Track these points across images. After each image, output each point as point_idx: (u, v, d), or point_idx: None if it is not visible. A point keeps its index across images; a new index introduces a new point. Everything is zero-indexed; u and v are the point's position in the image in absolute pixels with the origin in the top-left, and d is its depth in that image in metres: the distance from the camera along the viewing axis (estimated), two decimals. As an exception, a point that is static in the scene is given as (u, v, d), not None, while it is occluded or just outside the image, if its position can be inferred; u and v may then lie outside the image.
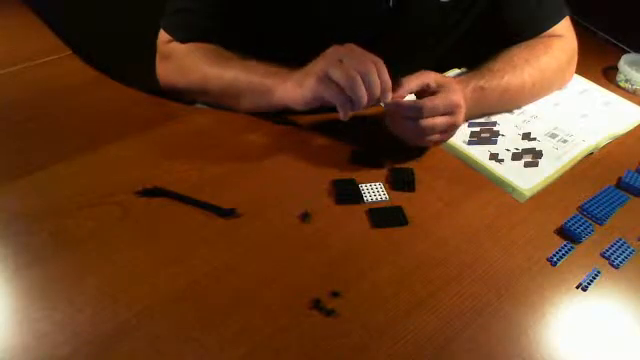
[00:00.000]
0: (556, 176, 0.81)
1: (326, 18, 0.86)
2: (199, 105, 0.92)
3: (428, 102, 0.75)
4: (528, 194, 0.77)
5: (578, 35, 0.98)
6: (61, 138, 0.81)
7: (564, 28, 0.95)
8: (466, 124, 0.88)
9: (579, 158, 0.85)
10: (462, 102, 0.77)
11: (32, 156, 0.78)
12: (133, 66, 0.96)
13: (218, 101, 0.87)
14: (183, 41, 0.87)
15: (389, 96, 0.73)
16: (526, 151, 0.84)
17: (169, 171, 0.76)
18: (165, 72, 0.90)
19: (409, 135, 0.79)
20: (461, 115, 0.77)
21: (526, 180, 0.79)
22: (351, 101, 0.71)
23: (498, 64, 0.89)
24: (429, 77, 0.78)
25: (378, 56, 0.92)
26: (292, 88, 0.76)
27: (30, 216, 0.69)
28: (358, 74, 0.70)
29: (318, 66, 0.73)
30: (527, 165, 0.82)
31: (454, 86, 0.78)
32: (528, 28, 0.94)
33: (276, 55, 0.94)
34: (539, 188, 0.79)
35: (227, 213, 0.70)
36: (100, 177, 0.75)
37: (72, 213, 0.69)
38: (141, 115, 0.86)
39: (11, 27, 1.09)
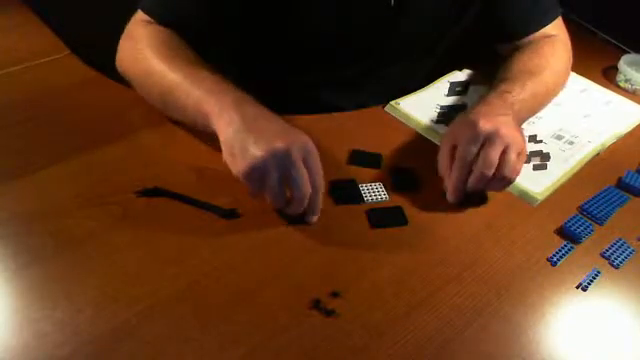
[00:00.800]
0: (565, 178, 0.81)
1: (327, 18, 0.86)
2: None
3: (458, 152, 0.71)
4: (540, 198, 0.77)
5: (578, 35, 0.98)
6: (61, 138, 0.81)
7: (557, 27, 0.95)
8: None
9: (587, 160, 0.84)
10: (486, 125, 0.70)
11: (32, 156, 0.78)
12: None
13: (158, 104, 0.79)
14: (158, 21, 0.81)
15: (314, 219, 0.69)
16: (534, 154, 0.84)
17: (169, 171, 0.76)
18: (121, 53, 0.84)
19: (494, 186, 0.73)
20: (499, 136, 0.70)
21: (536, 183, 0.79)
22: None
23: (517, 76, 0.84)
24: (446, 143, 0.74)
25: (378, 56, 0.93)
26: (225, 141, 0.67)
27: (30, 216, 0.69)
28: (292, 196, 0.66)
29: (260, 154, 0.63)
30: (536, 168, 0.82)
31: (464, 126, 0.73)
32: (524, 27, 0.94)
33: (273, 56, 0.94)
34: (550, 191, 0.78)
35: (228, 214, 0.70)
36: (100, 177, 0.75)
37: (72, 213, 0.69)
38: (141, 115, 0.86)
39: (11, 27, 1.09)
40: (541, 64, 0.88)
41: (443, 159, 0.74)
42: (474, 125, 0.71)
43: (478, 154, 0.70)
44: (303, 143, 0.66)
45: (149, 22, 0.83)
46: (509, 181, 0.71)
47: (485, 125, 0.70)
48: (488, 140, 0.70)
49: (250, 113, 0.68)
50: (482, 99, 0.79)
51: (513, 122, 0.74)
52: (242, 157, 0.64)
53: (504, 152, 0.70)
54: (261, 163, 0.63)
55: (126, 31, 0.84)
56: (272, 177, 0.64)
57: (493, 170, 0.69)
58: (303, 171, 0.64)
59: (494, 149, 0.69)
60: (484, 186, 0.72)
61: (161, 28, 0.82)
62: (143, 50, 0.79)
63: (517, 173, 0.71)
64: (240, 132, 0.66)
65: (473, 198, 0.75)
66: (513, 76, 0.84)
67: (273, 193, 0.65)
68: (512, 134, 0.71)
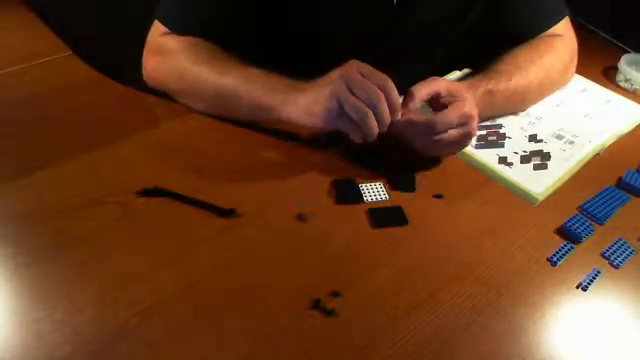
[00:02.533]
0: (566, 178, 0.81)
1: (331, 17, 0.86)
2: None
3: (441, 117, 0.73)
4: (540, 198, 0.77)
5: (578, 35, 0.98)
6: (61, 138, 0.81)
7: (564, 28, 0.95)
8: None
9: (587, 159, 0.84)
10: (475, 112, 0.75)
11: (32, 156, 0.78)
12: (133, 66, 0.96)
13: (212, 109, 0.83)
14: (179, 32, 0.83)
15: (399, 115, 0.72)
16: (534, 153, 0.83)
17: (169, 171, 0.76)
18: (154, 69, 0.86)
19: (422, 148, 0.78)
20: (474, 125, 0.75)
21: (537, 183, 0.79)
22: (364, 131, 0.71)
23: (503, 66, 0.88)
24: (439, 85, 0.76)
25: (379, 57, 0.93)
26: (301, 114, 0.74)
27: (30, 216, 0.69)
28: (369, 107, 0.69)
29: (328, 94, 0.71)
30: (536, 168, 0.82)
31: (465, 94, 0.76)
32: (529, 28, 0.94)
33: (280, 55, 0.94)
34: (550, 191, 0.78)
35: (227, 213, 0.70)
36: (100, 177, 0.75)
37: (72, 213, 0.69)
38: (141, 115, 0.86)
39: (11, 27, 1.09)
40: (533, 60, 0.89)
41: (420, 93, 0.75)
42: (463, 101, 0.75)
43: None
44: (350, 66, 0.71)
45: (169, 33, 0.84)
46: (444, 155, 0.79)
47: (471, 109, 0.75)
48: (465, 122, 0.75)
49: (303, 87, 0.75)
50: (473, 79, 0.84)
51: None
52: (318, 110, 0.72)
53: (465, 135, 0.76)
54: (331, 100, 0.70)
55: (150, 46, 0.86)
56: (347, 101, 0.69)
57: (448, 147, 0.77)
58: (364, 81, 0.70)
59: (462, 132, 0.75)
60: (409, 132, 0.76)
61: (187, 37, 0.83)
62: (182, 61, 0.81)
63: (445, 155, 0.80)
64: (306, 100, 0.73)
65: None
66: (504, 70, 0.87)
67: (355, 114, 0.69)
68: (475, 124, 0.76)
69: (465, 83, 0.82)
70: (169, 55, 0.83)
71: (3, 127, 0.83)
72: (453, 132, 0.75)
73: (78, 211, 0.69)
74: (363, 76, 0.70)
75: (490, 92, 0.83)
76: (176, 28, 0.84)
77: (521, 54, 0.90)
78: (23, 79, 0.94)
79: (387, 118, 0.71)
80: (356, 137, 0.72)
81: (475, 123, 0.76)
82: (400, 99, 0.73)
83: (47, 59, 0.98)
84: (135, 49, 0.96)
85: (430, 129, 0.74)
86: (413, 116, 0.74)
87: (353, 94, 0.70)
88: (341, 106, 0.70)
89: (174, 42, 0.84)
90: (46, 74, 0.95)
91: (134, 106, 0.88)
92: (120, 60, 0.98)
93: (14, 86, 0.92)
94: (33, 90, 0.91)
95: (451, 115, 0.73)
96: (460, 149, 0.79)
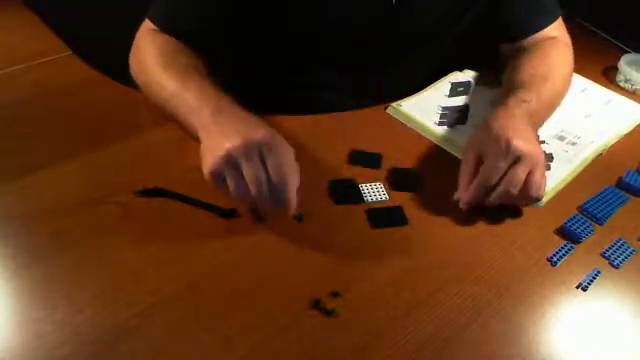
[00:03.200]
0: (569, 179, 0.81)
1: (328, 18, 0.86)
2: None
3: (486, 167, 0.70)
4: (545, 200, 0.77)
5: (578, 35, 0.98)
6: (61, 138, 0.81)
7: (558, 28, 0.95)
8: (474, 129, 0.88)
9: (589, 160, 0.84)
10: (518, 142, 0.70)
11: (32, 156, 0.78)
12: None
13: (159, 110, 0.80)
14: (163, 30, 0.83)
15: (291, 208, 0.67)
16: None
17: (169, 171, 0.76)
18: (131, 65, 0.85)
19: (514, 201, 0.73)
20: (523, 151, 0.69)
21: None
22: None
23: (528, 82, 0.84)
24: (469, 158, 0.73)
25: (379, 57, 0.93)
26: (202, 149, 0.69)
27: (30, 216, 0.69)
28: (249, 193, 0.65)
29: (218, 156, 0.65)
30: None
31: (489, 136, 0.72)
32: (526, 27, 0.94)
33: (280, 55, 0.94)
34: (554, 193, 0.78)
35: (228, 213, 0.70)
36: (100, 177, 0.75)
37: (72, 213, 0.69)
38: (141, 115, 0.86)
39: (11, 27, 1.09)
40: (551, 68, 0.88)
41: (467, 168, 0.73)
42: (506, 143, 0.70)
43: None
44: (261, 138, 0.66)
45: (155, 31, 0.84)
46: (536, 199, 0.72)
47: (517, 145, 0.69)
48: (518, 160, 0.70)
49: (224, 119, 0.69)
50: (502, 106, 0.78)
51: (536, 138, 0.75)
52: (204, 161, 0.67)
53: (530, 172, 0.70)
54: (216, 164, 0.65)
55: (134, 41, 0.85)
56: (229, 174, 0.65)
57: (519, 189, 0.70)
58: (255, 165, 0.65)
59: (523, 170, 0.69)
60: (505, 202, 0.72)
61: (164, 36, 0.83)
62: (145, 60, 0.81)
63: (543, 192, 0.72)
64: (207, 139, 0.69)
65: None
66: (527, 82, 0.84)
67: (233, 189, 0.65)
68: (538, 154, 0.71)
69: (499, 117, 0.76)
70: (139, 51, 0.84)
71: (3, 127, 0.83)
72: (514, 172, 0.69)
73: (78, 211, 0.69)
74: (263, 152, 0.65)
75: (530, 115, 0.78)
76: (159, 26, 0.84)
77: (537, 63, 0.88)
78: (23, 79, 0.94)
79: (267, 211, 0.68)
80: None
81: (524, 151, 0.69)
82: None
83: (47, 59, 0.98)
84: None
85: (485, 182, 0.70)
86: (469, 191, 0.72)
87: (240, 168, 0.65)
88: (221, 175, 0.65)
89: (148, 40, 0.84)
90: (46, 74, 0.95)
91: (134, 106, 0.88)
92: (120, 60, 0.98)
93: (14, 86, 0.92)
94: (33, 90, 0.91)
95: (491, 159, 0.70)
96: (539, 187, 0.71)
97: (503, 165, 0.70)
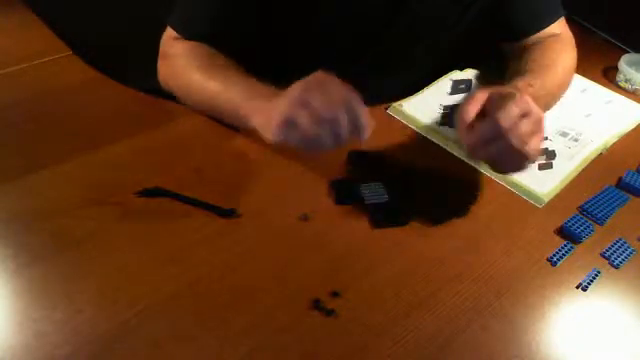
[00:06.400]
0: (571, 178, 0.81)
1: (327, 16, 0.86)
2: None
3: (500, 111, 0.65)
4: (546, 199, 0.77)
5: (578, 35, 0.98)
6: (61, 138, 0.81)
7: (562, 26, 0.96)
8: None
9: (591, 158, 0.84)
10: (532, 103, 0.67)
11: (32, 156, 0.78)
12: (133, 66, 0.96)
13: (202, 111, 0.84)
14: (186, 37, 0.86)
15: (366, 134, 0.66)
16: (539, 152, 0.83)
17: (169, 171, 0.76)
18: (161, 72, 0.88)
19: (505, 161, 0.69)
20: (534, 111, 0.67)
21: (542, 184, 0.78)
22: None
23: (532, 67, 0.84)
24: (481, 95, 0.69)
25: (379, 56, 0.93)
26: (261, 125, 0.70)
27: (30, 216, 0.69)
28: (325, 121, 0.64)
29: (281, 108, 0.66)
30: (541, 167, 0.81)
31: (512, 91, 0.68)
32: (530, 25, 0.94)
33: (280, 55, 0.94)
34: (556, 192, 0.78)
35: (227, 213, 0.70)
36: (100, 177, 0.75)
37: (72, 213, 0.69)
38: (141, 115, 0.86)
39: (11, 27, 1.09)
40: (553, 59, 0.88)
41: (471, 109, 0.68)
42: (519, 94, 0.67)
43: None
44: (312, 77, 0.67)
45: (178, 39, 0.86)
46: (530, 162, 0.68)
47: (529, 99, 0.67)
48: (528, 114, 0.66)
49: (274, 96, 0.71)
50: (509, 84, 0.78)
51: None
52: (272, 119, 0.66)
53: (533, 133, 0.66)
54: (283, 112, 0.65)
55: (161, 51, 0.88)
56: (303, 115, 0.64)
57: (526, 142, 0.66)
58: (323, 92, 0.65)
59: (530, 125, 0.66)
60: (500, 160, 0.69)
61: (192, 42, 0.85)
62: (182, 65, 0.83)
63: (536, 157, 0.69)
64: (268, 109, 0.69)
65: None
66: (531, 70, 0.84)
67: (307, 123, 0.64)
68: (543, 118, 0.68)
69: (506, 87, 0.75)
70: (171, 59, 0.86)
71: (3, 127, 0.83)
72: (523, 126, 0.65)
73: (78, 211, 0.69)
74: (325, 88, 0.66)
75: (533, 97, 0.75)
76: (183, 33, 0.86)
77: (540, 55, 0.89)
78: (23, 79, 0.94)
79: (344, 135, 0.65)
80: (310, 152, 0.68)
81: (535, 111, 0.67)
82: (366, 113, 0.66)
83: (47, 59, 0.98)
84: (135, 49, 0.96)
85: (496, 127, 0.65)
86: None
87: (309, 107, 0.64)
88: (293, 120, 0.64)
89: (178, 47, 0.86)
90: (46, 74, 0.95)
91: (134, 106, 0.88)
92: (120, 60, 0.98)
93: (14, 86, 0.92)
94: (33, 90, 0.91)
95: (509, 104, 0.65)
96: (537, 146, 0.68)
97: (515, 112, 0.65)
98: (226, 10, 0.85)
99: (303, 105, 0.64)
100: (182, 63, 0.84)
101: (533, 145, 0.67)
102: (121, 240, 0.67)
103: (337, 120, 0.64)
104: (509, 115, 0.65)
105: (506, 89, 0.70)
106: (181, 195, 0.72)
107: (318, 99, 0.64)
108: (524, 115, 0.66)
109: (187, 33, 0.86)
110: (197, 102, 0.83)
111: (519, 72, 0.84)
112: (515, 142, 0.65)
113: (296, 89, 0.66)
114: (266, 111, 0.70)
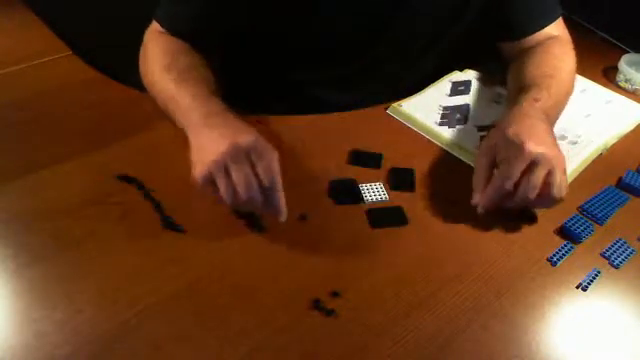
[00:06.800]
0: (571, 179, 0.80)
1: (327, 15, 0.86)
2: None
3: (501, 170, 0.69)
4: None
5: (578, 35, 0.98)
6: (61, 138, 0.81)
7: (559, 28, 0.96)
8: (476, 129, 0.88)
9: (591, 159, 0.84)
10: (540, 148, 0.68)
11: (32, 156, 0.78)
12: (133, 66, 0.96)
13: (164, 111, 0.81)
14: (169, 30, 0.85)
15: (283, 217, 0.67)
16: None
17: (168, 171, 0.76)
18: (139, 64, 0.86)
19: (531, 205, 0.71)
20: (549, 160, 0.68)
21: None
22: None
23: (538, 79, 0.84)
24: (486, 157, 0.72)
25: (378, 56, 0.93)
26: (192, 155, 0.69)
27: (30, 216, 0.69)
28: (239, 197, 0.64)
29: (207, 161, 0.65)
30: None
31: (523, 139, 0.69)
32: (528, 26, 0.94)
33: (272, 56, 0.94)
34: None
35: (173, 227, 0.68)
36: (100, 177, 0.75)
37: (72, 213, 0.69)
38: (141, 115, 0.86)
39: (11, 27, 1.09)
40: (557, 66, 0.88)
41: (481, 172, 0.72)
42: (521, 145, 0.68)
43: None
44: (249, 143, 0.66)
45: (160, 32, 0.85)
46: (558, 200, 0.69)
47: (533, 147, 0.68)
48: (535, 162, 0.68)
49: (212, 122, 0.70)
50: (514, 106, 0.77)
51: (553, 137, 0.73)
52: (194, 168, 0.66)
53: (549, 173, 0.68)
54: (206, 170, 0.65)
55: (143, 42, 0.87)
56: (220, 180, 0.65)
57: (537, 192, 0.68)
58: (245, 170, 0.65)
59: (541, 172, 0.68)
60: (526, 205, 0.71)
61: (169, 37, 0.84)
62: (149, 62, 0.83)
63: (565, 191, 0.70)
64: (196, 144, 0.69)
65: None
66: (535, 81, 0.83)
67: (224, 194, 0.65)
68: (556, 155, 0.70)
69: (514, 114, 0.76)
70: (145, 52, 0.85)
71: (3, 127, 0.83)
72: (530, 176, 0.68)
73: (78, 211, 0.69)
74: (254, 159, 0.66)
75: (543, 110, 0.77)
76: (164, 27, 0.85)
77: (543, 62, 0.88)
78: (23, 79, 0.94)
79: (258, 210, 0.68)
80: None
81: (545, 160, 0.68)
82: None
83: (47, 59, 0.98)
84: (135, 49, 0.96)
85: (499, 188, 0.69)
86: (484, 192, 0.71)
87: (230, 176, 0.65)
88: (213, 179, 0.65)
89: (153, 42, 0.85)
90: (46, 74, 0.95)
91: (134, 106, 0.88)
92: (120, 60, 0.98)
93: (14, 86, 0.92)
94: (33, 90, 0.91)
95: (512, 164, 0.68)
96: (560, 185, 0.69)
97: (517, 171, 0.68)
98: (210, 8, 0.84)
99: (224, 171, 0.65)
100: (149, 60, 0.83)
101: (553, 186, 0.68)
102: (121, 240, 0.67)
103: (250, 200, 0.65)
104: (512, 177, 0.68)
105: (509, 143, 0.70)
106: (149, 195, 0.72)
107: (239, 172, 0.64)
108: (532, 165, 0.68)
109: (167, 27, 0.85)
110: (158, 101, 0.81)
111: (523, 85, 0.83)
112: (527, 196, 0.68)
113: (226, 146, 0.65)
114: (200, 141, 0.69)
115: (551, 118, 0.79)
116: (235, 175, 0.64)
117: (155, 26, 0.86)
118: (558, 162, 0.69)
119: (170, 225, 0.68)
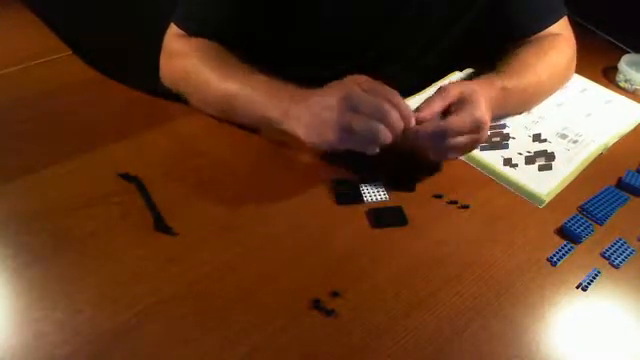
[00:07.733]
0: (571, 178, 0.81)
1: (327, 15, 0.86)
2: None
3: (451, 124, 0.71)
4: (547, 199, 0.77)
5: (578, 35, 0.98)
6: (61, 138, 0.81)
7: (563, 27, 0.96)
8: None
9: (591, 159, 0.84)
10: (487, 117, 0.73)
11: (32, 156, 0.78)
12: (133, 66, 0.96)
13: (218, 114, 0.83)
14: (192, 34, 0.85)
15: (412, 122, 0.71)
16: (538, 154, 0.83)
17: (169, 171, 0.76)
18: (169, 72, 0.87)
19: (427, 154, 0.75)
20: (485, 131, 0.74)
21: (542, 185, 0.78)
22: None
23: (512, 64, 0.87)
24: (452, 93, 0.74)
25: (379, 56, 0.93)
26: (307, 132, 0.72)
27: (30, 216, 0.69)
28: (380, 121, 0.67)
29: (334, 117, 0.68)
30: (541, 169, 0.81)
31: (478, 98, 0.73)
32: (529, 26, 0.94)
33: (271, 55, 0.94)
34: (556, 192, 0.78)
35: (164, 229, 0.68)
36: (100, 177, 0.75)
37: (72, 213, 0.69)
38: (141, 115, 0.86)
39: (11, 27, 1.09)
40: (539, 57, 0.89)
41: (437, 103, 0.74)
42: (481, 116, 0.72)
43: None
44: (349, 82, 0.70)
45: (184, 35, 0.85)
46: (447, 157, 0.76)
47: (485, 117, 0.73)
48: (476, 130, 0.73)
49: (305, 100, 0.73)
50: (484, 77, 0.82)
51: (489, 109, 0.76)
52: (325, 129, 0.69)
53: (475, 140, 0.74)
54: (337, 123, 0.68)
55: (166, 48, 0.87)
56: (355, 119, 0.67)
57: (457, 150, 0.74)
58: (368, 96, 0.68)
59: (473, 141, 0.74)
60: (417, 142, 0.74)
61: (200, 40, 0.84)
62: (189, 64, 0.82)
63: (459, 154, 0.77)
64: (302, 115, 0.72)
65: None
66: (513, 67, 0.86)
67: (367, 132, 0.67)
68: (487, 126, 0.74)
69: (478, 82, 0.80)
70: (178, 57, 0.85)
71: (4, 127, 0.83)
72: (462, 139, 0.73)
73: (78, 211, 0.69)
74: (365, 91, 0.69)
75: (503, 90, 0.81)
76: (189, 30, 0.85)
77: (526, 51, 0.90)
78: (23, 79, 0.94)
79: (400, 128, 0.69)
80: (370, 151, 0.70)
81: (486, 131, 0.74)
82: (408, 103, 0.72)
83: (47, 59, 0.98)
84: (135, 49, 0.96)
85: (440, 137, 0.72)
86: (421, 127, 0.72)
87: (359, 111, 0.68)
88: (348, 127, 0.68)
89: (185, 44, 0.85)
90: (46, 74, 0.95)
91: (134, 106, 0.88)
92: (120, 60, 0.98)
93: (14, 86, 0.92)
94: (33, 90, 0.91)
95: (462, 121, 0.71)
96: (464, 154, 0.78)
97: (463, 130, 0.72)
98: (233, 8, 0.84)
99: (353, 110, 0.68)
100: (194, 62, 0.82)
101: (454, 155, 0.75)
102: (121, 240, 0.67)
103: (389, 116, 0.68)
104: (457, 130, 0.72)
105: (474, 92, 0.74)
106: (147, 196, 0.72)
107: (365, 101, 0.68)
108: (471, 131, 0.72)
109: (193, 30, 0.85)
110: (211, 102, 0.82)
111: (502, 68, 0.86)
112: (448, 150, 0.73)
113: (336, 96, 0.69)
114: (304, 117, 0.72)
115: (507, 98, 0.83)
116: (362, 104, 0.67)
117: (175, 30, 0.86)
118: (483, 137, 0.75)
119: (162, 227, 0.68)
